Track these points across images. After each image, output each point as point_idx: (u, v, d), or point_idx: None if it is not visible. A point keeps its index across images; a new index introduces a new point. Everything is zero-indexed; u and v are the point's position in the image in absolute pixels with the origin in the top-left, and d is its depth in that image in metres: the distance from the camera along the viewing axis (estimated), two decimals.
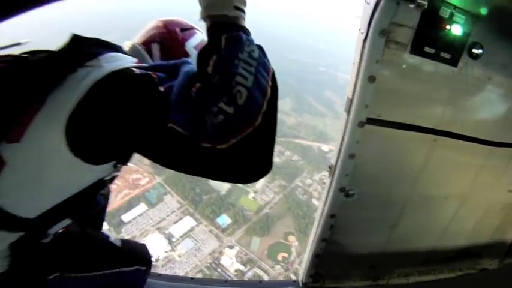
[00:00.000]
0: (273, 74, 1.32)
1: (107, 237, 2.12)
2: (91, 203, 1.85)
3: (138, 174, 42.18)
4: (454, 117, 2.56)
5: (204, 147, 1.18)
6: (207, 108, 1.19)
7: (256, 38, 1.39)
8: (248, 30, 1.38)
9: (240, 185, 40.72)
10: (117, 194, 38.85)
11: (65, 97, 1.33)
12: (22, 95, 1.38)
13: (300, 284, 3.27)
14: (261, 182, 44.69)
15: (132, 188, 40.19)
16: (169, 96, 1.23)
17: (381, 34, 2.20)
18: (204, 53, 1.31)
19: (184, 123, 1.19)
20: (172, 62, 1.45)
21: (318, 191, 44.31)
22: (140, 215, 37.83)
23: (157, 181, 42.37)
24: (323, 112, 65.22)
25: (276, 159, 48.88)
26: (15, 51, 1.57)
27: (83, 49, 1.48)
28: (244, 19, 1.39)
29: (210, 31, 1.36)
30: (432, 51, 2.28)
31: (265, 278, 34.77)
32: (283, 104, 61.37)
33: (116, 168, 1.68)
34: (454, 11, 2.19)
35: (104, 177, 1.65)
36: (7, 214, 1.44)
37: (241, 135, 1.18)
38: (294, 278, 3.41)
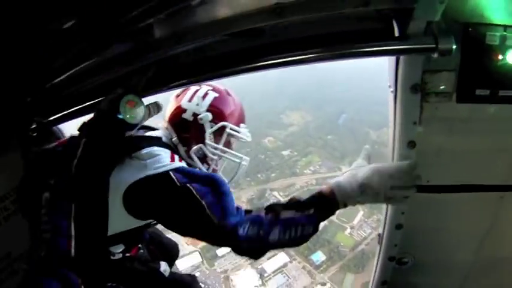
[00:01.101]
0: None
1: (158, 267, 2.56)
2: (139, 236, 2.45)
3: None
4: None
5: None
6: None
7: None
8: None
9: (337, 220, 39.98)
10: None
11: (123, 177, 1.93)
12: (98, 165, 1.96)
13: None
14: (358, 217, 42.93)
15: None
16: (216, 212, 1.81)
17: (413, 90, 1.73)
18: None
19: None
20: (204, 174, 2.01)
21: None
22: None
23: None
24: None
25: None
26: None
27: (130, 144, 2.04)
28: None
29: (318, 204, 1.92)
30: (487, 92, 1.71)
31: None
32: (381, 135, 58.00)
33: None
34: (505, 32, 1.61)
35: (149, 223, 2.25)
36: None
37: None
38: None
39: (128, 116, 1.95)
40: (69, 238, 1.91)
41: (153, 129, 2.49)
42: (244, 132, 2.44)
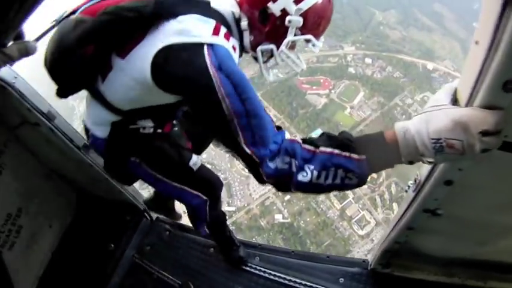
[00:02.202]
0: None
1: (189, 158, 2.33)
2: (170, 114, 2.17)
3: None
4: None
5: None
6: None
7: None
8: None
9: (337, 99, 40.12)
10: None
11: (155, 41, 1.65)
12: (130, 29, 1.74)
13: (369, 267, 2.88)
14: (358, 98, 42.96)
15: None
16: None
17: None
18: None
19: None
20: (243, 78, 1.56)
21: (418, 112, 40.59)
22: None
23: None
24: (431, 27, 56.81)
25: (377, 75, 46.05)
26: None
27: (167, 7, 1.71)
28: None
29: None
30: None
31: (350, 196, 35.54)
32: (388, 16, 55.90)
33: None
34: None
35: (180, 102, 1.92)
36: (108, 102, 1.93)
37: None
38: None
39: None
40: None
41: None
42: (319, 45, 1.95)
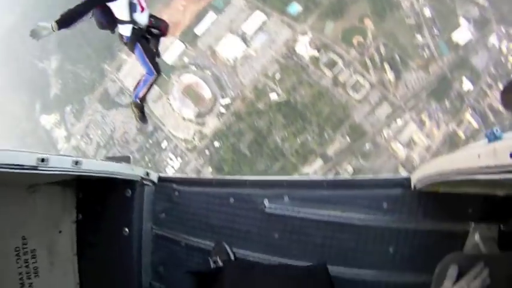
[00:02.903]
0: None
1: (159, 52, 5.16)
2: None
3: None
4: None
5: None
6: None
7: None
8: None
9: None
10: (185, 13, 38.36)
11: None
12: None
13: (412, 187, 2.77)
14: None
15: (197, 1, 38.81)
16: None
17: None
18: None
19: None
20: None
21: None
22: (212, 23, 37.47)
23: None
24: None
25: None
26: None
27: None
28: None
29: None
30: None
31: (340, 63, 34.73)
32: None
33: None
34: None
35: None
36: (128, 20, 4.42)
37: None
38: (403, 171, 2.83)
39: None
40: None
41: None
42: None
